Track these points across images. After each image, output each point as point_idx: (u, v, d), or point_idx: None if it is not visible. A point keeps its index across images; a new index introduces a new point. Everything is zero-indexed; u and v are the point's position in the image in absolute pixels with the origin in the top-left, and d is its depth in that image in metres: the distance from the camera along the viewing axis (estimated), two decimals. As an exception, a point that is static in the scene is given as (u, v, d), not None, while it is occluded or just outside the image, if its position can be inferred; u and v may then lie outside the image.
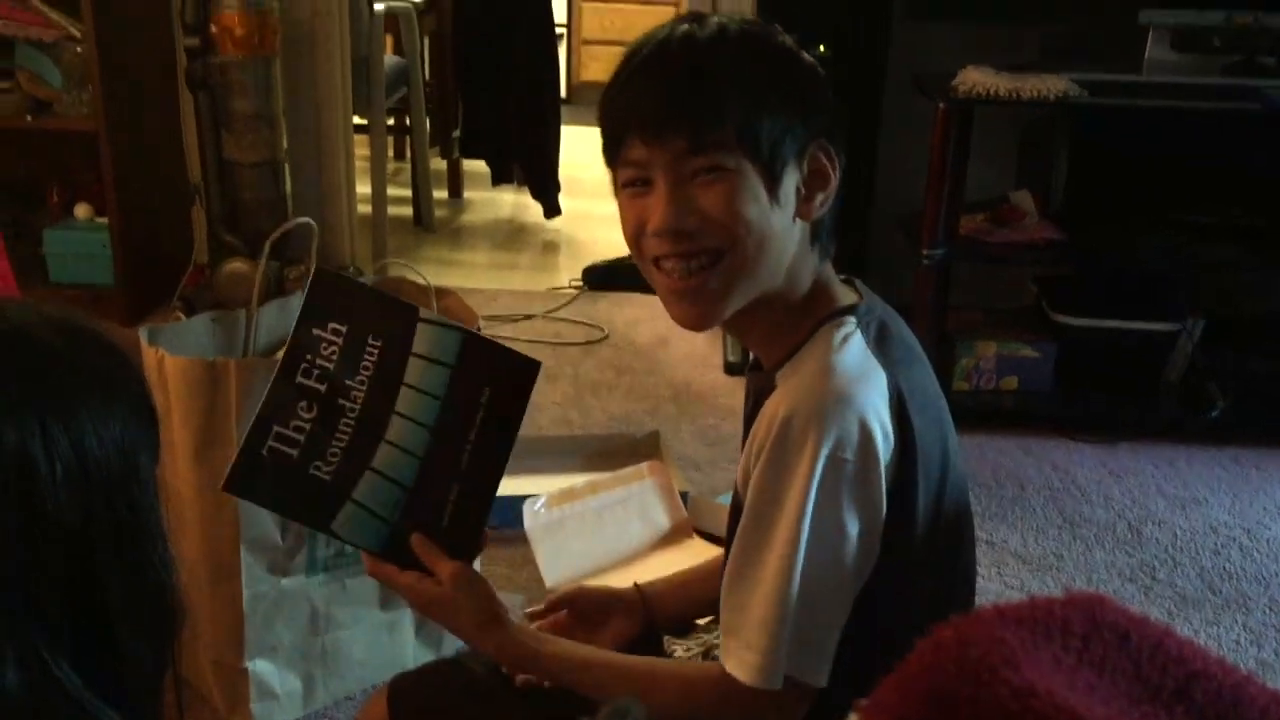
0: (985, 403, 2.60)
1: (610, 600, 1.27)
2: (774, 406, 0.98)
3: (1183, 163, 2.67)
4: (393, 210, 3.74)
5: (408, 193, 4.00)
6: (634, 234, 1.03)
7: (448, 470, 1.07)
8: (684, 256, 1.00)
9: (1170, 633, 0.40)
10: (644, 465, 2.13)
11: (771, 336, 1.06)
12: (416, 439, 1.06)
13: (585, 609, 1.26)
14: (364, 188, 3.44)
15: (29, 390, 0.67)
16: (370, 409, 1.06)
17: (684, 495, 2.13)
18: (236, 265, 2.72)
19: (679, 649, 1.27)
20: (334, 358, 1.05)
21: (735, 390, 2.69)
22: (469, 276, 3.45)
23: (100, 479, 0.68)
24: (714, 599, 1.11)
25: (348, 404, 1.05)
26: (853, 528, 0.97)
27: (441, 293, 1.75)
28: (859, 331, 1.01)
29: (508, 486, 2.14)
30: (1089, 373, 2.65)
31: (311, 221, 1.73)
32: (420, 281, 1.74)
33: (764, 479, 0.97)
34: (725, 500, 2.18)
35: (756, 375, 1.09)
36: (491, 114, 3.90)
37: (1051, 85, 2.35)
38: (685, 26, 1.01)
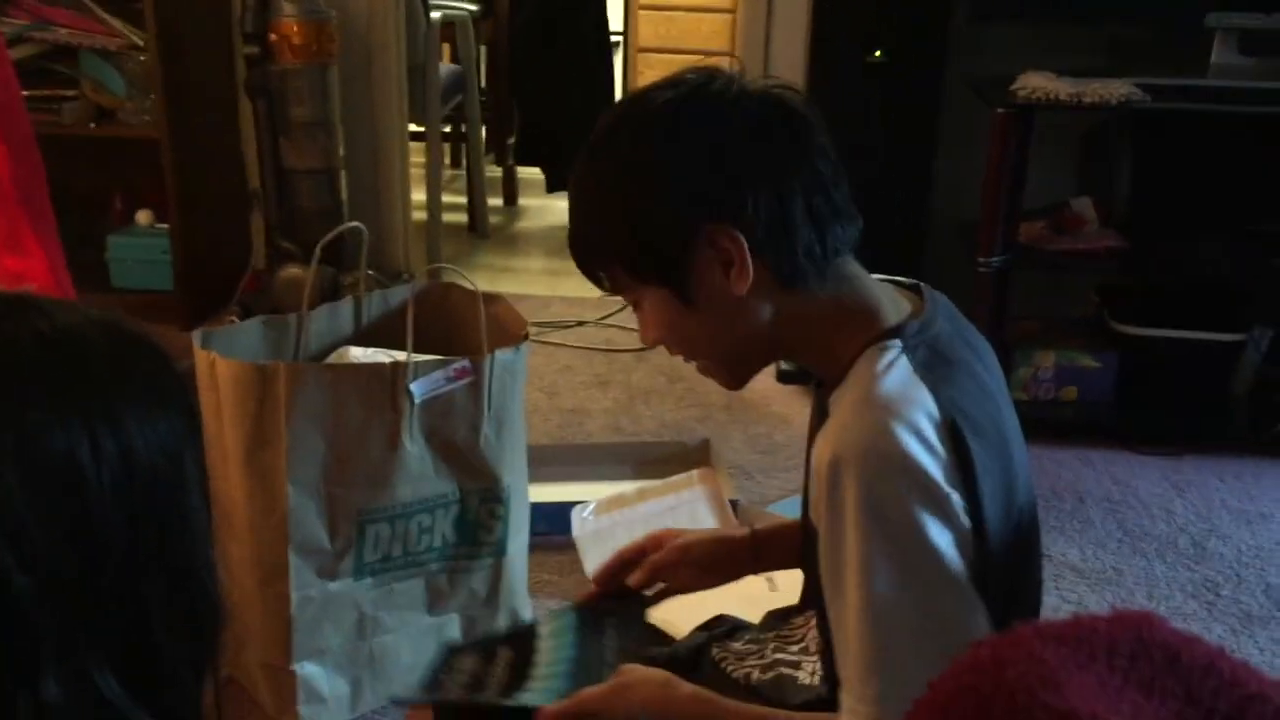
0: (1044, 413, 2.55)
1: (719, 549, 1.31)
2: (821, 448, 0.96)
3: (1250, 169, 2.60)
4: (448, 217, 3.76)
5: (463, 200, 4.02)
6: None
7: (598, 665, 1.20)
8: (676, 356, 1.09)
9: (1224, 654, 0.38)
10: (694, 473, 2.12)
11: (822, 361, 1.05)
12: (561, 680, 1.19)
13: (699, 557, 1.30)
14: (419, 195, 3.47)
15: (76, 394, 0.66)
16: (515, 675, 1.21)
17: (734, 503, 2.11)
18: (293, 271, 2.75)
19: (729, 657, 1.25)
20: (472, 667, 1.23)
21: (787, 398, 2.66)
22: (523, 283, 3.46)
23: (146, 482, 0.68)
24: None
25: (493, 680, 1.21)
26: (943, 540, 0.93)
27: (490, 299, 1.75)
28: (904, 356, 0.98)
29: (556, 493, 2.16)
30: (1152, 384, 2.59)
31: (362, 226, 1.74)
32: (468, 287, 1.74)
33: (829, 530, 0.95)
34: (776, 509, 2.17)
35: (820, 391, 1.08)
36: (547, 121, 3.91)
37: (1114, 90, 2.30)
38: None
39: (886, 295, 1.05)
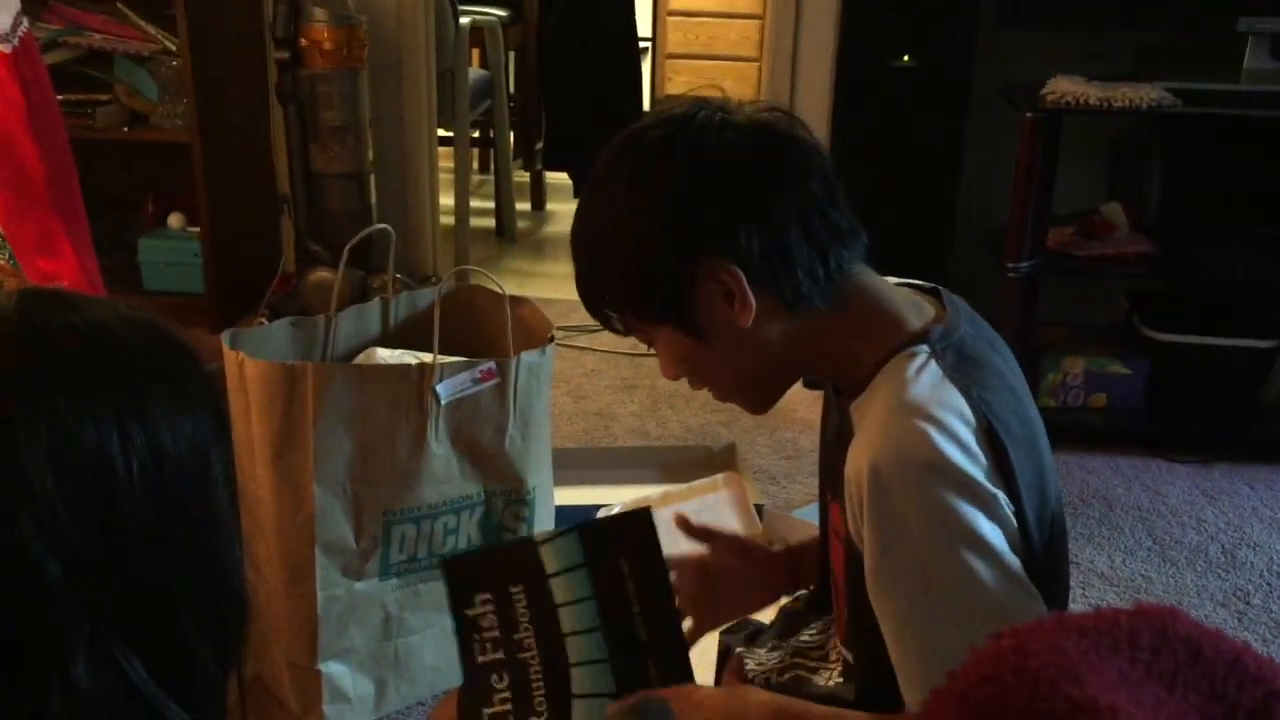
0: (1073, 420, 2.53)
1: (760, 559, 1.28)
2: (857, 458, 0.94)
3: (1283, 174, 2.58)
4: (476, 222, 3.77)
5: (491, 204, 4.04)
6: None
7: (635, 651, 1.12)
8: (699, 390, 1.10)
9: (1248, 649, 0.37)
10: (719, 477, 2.11)
11: (842, 373, 1.04)
12: (596, 645, 1.13)
13: (737, 564, 1.27)
14: (448, 199, 3.48)
15: (107, 387, 0.67)
16: (546, 648, 1.13)
17: (759, 508, 2.10)
18: (322, 274, 2.77)
19: (750, 663, 1.25)
20: (495, 625, 1.14)
21: (814, 403, 2.65)
22: (550, 287, 3.47)
23: (174, 478, 0.68)
24: None
25: (528, 656, 1.13)
26: (995, 537, 0.92)
27: (516, 301, 1.76)
28: (933, 361, 0.97)
29: (582, 496, 2.15)
30: (1182, 391, 2.56)
31: (389, 228, 1.75)
32: (495, 289, 1.74)
33: (875, 544, 0.93)
34: (801, 514, 2.16)
35: (839, 399, 1.07)
36: (574, 127, 3.92)
37: (1144, 94, 2.29)
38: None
39: (906, 300, 1.04)
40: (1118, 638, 0.36)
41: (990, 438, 0.94)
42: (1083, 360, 2.56)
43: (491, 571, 1.16)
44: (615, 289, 1.02)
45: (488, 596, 1.15)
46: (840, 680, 1.14)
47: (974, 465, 0.92)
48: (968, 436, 0.93)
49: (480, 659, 1.13)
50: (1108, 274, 2.57)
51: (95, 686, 0.64)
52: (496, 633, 1.13)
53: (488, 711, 1.12)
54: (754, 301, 0.98)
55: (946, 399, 0.94)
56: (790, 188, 0.98)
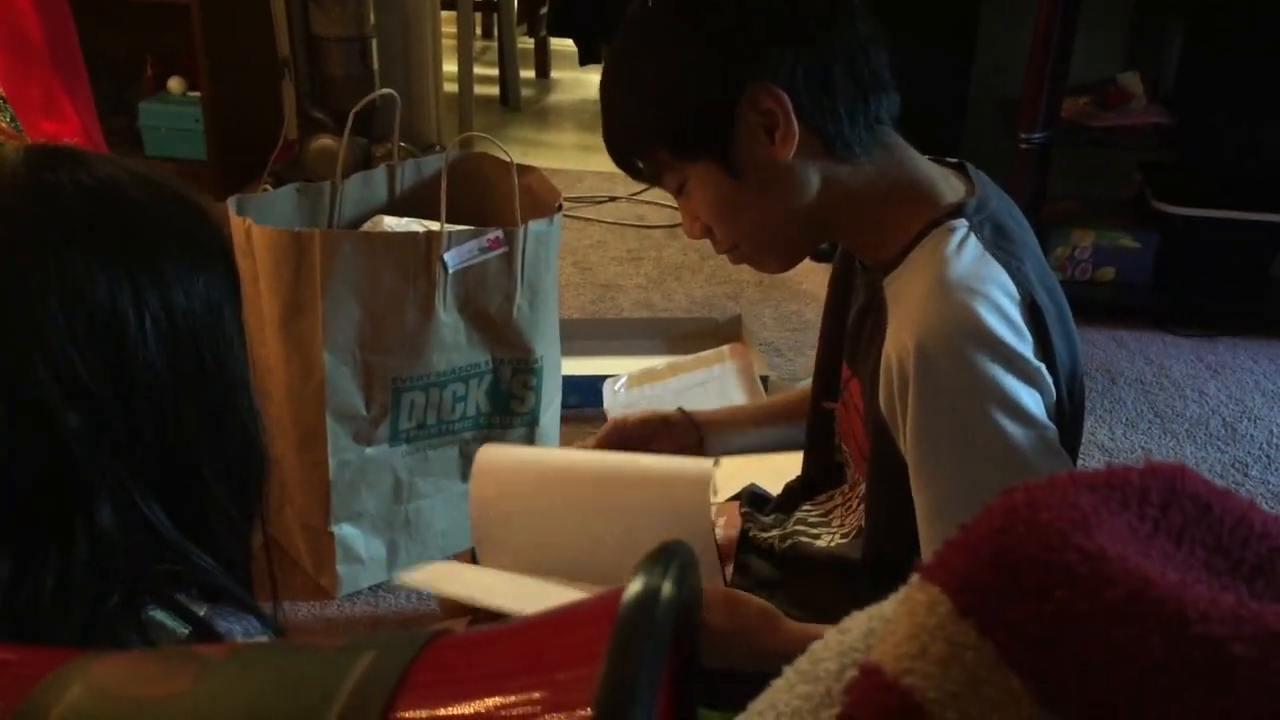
0: (1079, 293, 2.51)
1: (653, 423, 1.29)
2: (900, 335, 0.94)
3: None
4: (479, 89, 3.71)
5: (494, 71, 3.96)
6: None
7: None
8: (723, 251, 1.08)
9: (1255, 507, 0.38)
10: (725, 348, 2.12)
11: (872, 240, 1.03)
12: None
13: (630, 435, 1.28)
14: (450, 65, 3.42)
15: (118, 243, 0.68)
16: None
17: (764, 379, 2.12)
18: (325, 141, 2.74)
19: (753, 529, 1.27)
20: None
21: (820, 276, 2.65)
22: (555, 157, 3.43)
23: (187, 332, 0.69)
24: (763, 431, 1.31)
25: None
26: (1036, 407, 0.93)
27: (523, 170, 1.74)
28: (972, 235, 0.96)
29: (589, 366, 2.17)
30: (1191, 265, 2.56)
31: (394, 93, 1.72)
32: (502, 157, 1.72)
33: (920, 417, 0.93)
34: (806, 384, 2.17)
35: (866, 274, 1.06)
36: (580, -9, 3.82)
37: (1168, -42, 2.22)
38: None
39: (938, 173, 1.03)
40: (1128, 493, 0.37)
41: (1032, 311, 0.94)
42: (1092, 233, 2.54)
43: None
44: (653, 123, 1.00)
45: None
46: (842, 541, 1.16)
47: (1020, 340, 0.93)
48: (1013, 311, 0.93)
49: None
50: (1121, 145, 2.54)
51: (120, 530, 0.66)
52: None
53: None
54: (797, 130, 0.96)
55: (990, 274, 0.94)
56: (838, 21, 0.98)
